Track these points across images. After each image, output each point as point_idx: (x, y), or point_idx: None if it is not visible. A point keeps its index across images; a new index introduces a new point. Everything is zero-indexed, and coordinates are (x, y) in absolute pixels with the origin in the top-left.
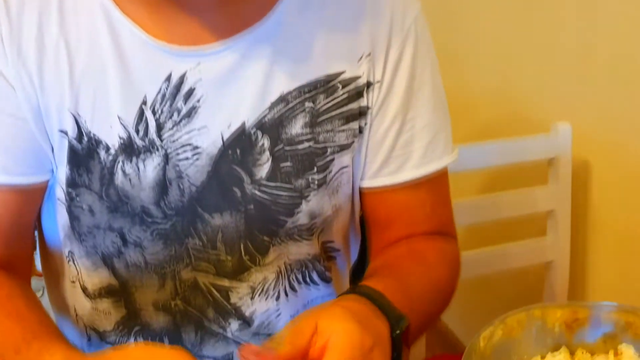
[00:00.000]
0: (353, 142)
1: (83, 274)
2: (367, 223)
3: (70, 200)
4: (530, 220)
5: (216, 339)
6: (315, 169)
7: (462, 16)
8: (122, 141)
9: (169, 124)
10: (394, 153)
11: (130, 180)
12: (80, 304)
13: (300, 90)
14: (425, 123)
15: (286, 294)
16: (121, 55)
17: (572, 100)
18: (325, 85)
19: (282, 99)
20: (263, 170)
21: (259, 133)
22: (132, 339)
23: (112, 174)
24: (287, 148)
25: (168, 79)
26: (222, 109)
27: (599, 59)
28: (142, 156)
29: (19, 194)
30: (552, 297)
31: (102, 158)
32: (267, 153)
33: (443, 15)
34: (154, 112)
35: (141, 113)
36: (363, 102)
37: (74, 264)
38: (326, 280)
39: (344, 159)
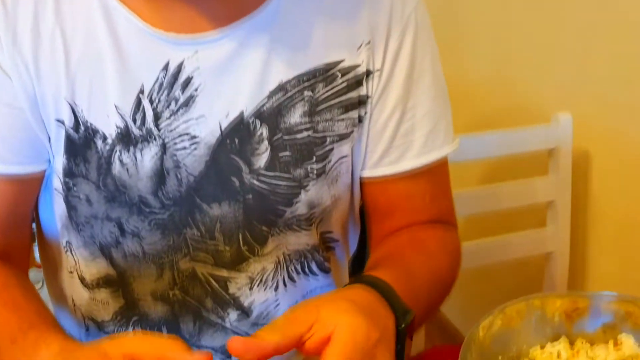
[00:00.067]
0: (352, 131)
1: (81, 264)
2: (368, 213)
3: (68, 190)
4: (530, 210)
5: (214, 329)
6: (314, 159)
7: (462, 5)
8: (119, 130)
9: (166, 113)
10: (394, 142)
11: (127, 170)
12: (78, 294)
13: (299, 78)
14: (425, 112)
15: (285, 285)
16: (118, 44)
17: (572, 90)
18: (324, 73)
19: (281, 87)
20: (262, 159)
21: (258, 122)
22: (130, 329)
23: (109, 163)
24: (286, 137)
25: (165, 67)
26: (220, 97)
27: (600, 49)
28: (139, 146)
29: (15, 184)
30: (552, 287)
31: (99, 147)
32: (266, 142)
33: (443, 4)
34: (151, 101)
35: (138, 102)
36: (362, 90)
37: (72, 254)
38: (325, 270)
39: (344, 148)
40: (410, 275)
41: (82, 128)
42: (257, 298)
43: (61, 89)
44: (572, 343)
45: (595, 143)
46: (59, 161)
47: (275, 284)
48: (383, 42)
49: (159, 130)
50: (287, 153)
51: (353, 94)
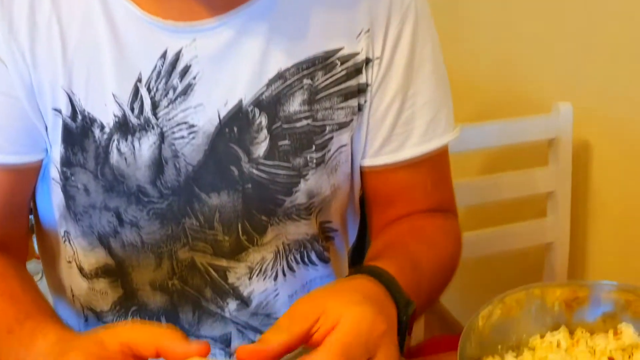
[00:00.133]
0: (352, 120)
1: (79, 254)
2: (368, 202)
3: (65, 180)
4: (530, 201)
5: (214, 319)
6: (314, 148)
7: None
8: (117, 119)
9: (164, 102)
10: (395, 131)
11: (125, 159)
12: (77, 284)
13: (299, 66)
14: (426, 100)
15: (284, 274)
16: (115, 32)
17: (573, 80)
18: (323, 61)
19: (280, 75)
20: (261, 148)
21: (257, 111)
22: (129, 319)
23: (107, 152)
24: (285, 126)
25: (163, 55)
26: (218, 86)
27: (601, 39)
28: (137, 135)
29: (12, 174)
30: (551, 278)
31: (96, 137)
32: (265, 131)
33: None
34: (149, 90)
35: (136, 91)
36: (362, 79)
37: (70, 244)
38: (324, 260)
39: (343, 137)
40: (412, 265)
41: (80, 117)
42: (256, 288)
43: (58, 77)
44: (572, 332)
45: (596, 133)
46: (57, 150)
47: (274, 274)
48: (383, 30)
49: (157, 119)
50: (287, 142)
51: (352, 82)
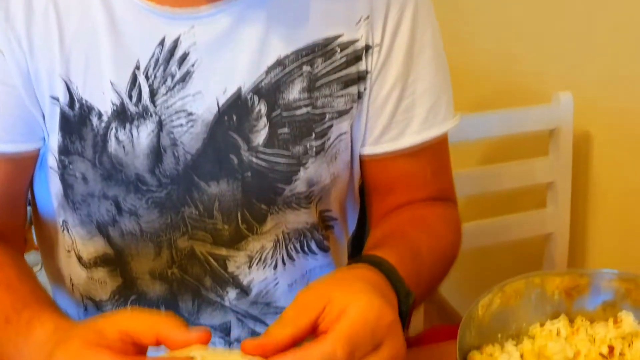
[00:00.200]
0: (352, 107)
1: (78, 243)
2: (368, 190)
3: (63, 168)
4: (530, 191)
5: (213, 308)
6: (314, 135)
7: None
8: (115, 107)
9: (162, 90)
10: (395, 119)
11: (123, 147)
12: (76, 273)
13: (298, 53)
14: (426, 87)
15: (284, 263)
16: (112, 19)
17: (573, 69)
18: (323, 48)
19: (279, 62)
20: (260, 136)
21: (256, 98)
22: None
23: (105, 141)
24: (285, 114)
25: (161, 43)
26: (217, 73)
27: (601, 29)
28: (135, 123)
29: (9, 163)
30: (551, 268)
31: (94, 125)
32: (264, 119)
33: None
34: (147, 77)
35: (134, 78)
36: (362, 66)
37: (69, 233)
38: (324, 249)
39: (343, 125)
40: (413, 254)
41: (77, 105)
42: (256, 277)
43: (55, 65)
44: (571, 321)
45: (596, 123)
46: (54, 139)
47: (274, 263)
48: (382, 17)
49: (155, 106)
50: (286, 130)
51: (352, 69)
